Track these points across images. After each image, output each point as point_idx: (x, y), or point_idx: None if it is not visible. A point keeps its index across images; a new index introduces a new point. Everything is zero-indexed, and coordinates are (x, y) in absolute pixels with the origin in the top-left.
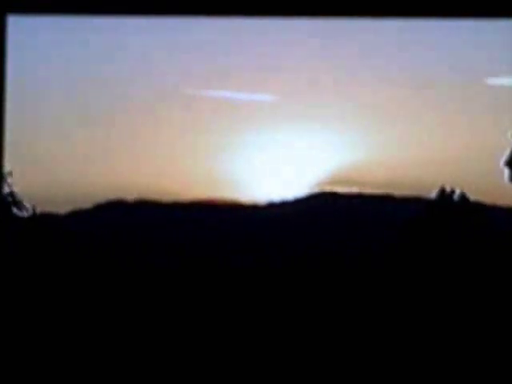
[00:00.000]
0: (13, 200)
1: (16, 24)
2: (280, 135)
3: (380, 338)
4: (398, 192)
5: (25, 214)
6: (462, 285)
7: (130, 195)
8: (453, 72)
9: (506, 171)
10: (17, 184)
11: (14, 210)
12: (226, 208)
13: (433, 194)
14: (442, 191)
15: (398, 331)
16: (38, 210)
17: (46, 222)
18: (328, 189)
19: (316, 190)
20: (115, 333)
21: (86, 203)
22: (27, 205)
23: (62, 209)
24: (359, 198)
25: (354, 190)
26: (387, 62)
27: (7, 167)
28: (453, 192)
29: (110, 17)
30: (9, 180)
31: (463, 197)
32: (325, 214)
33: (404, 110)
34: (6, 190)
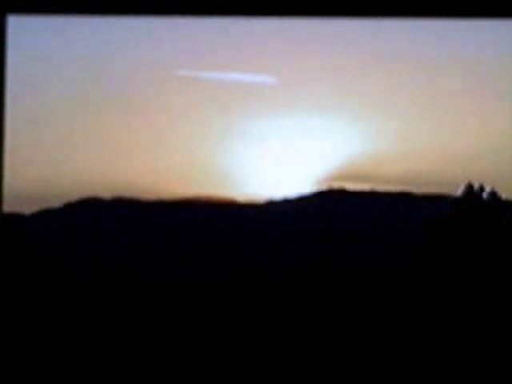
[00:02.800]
0: None
1: (16, 24)
2: (281, 122)
3: (398, 346)
4: (417, 189)
5: None
6: (491, 291)
7: (106, 192)
8: (478, 51)
9: None
10: None
11: None
12: (218, 206)
13: (459, 191)
14: (470, 188)
15: (416, 338)
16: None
17: (9, 223)
18: (336, 185)
19: (323, 186)
20: (85, 338)
21: (56, 202)
22: None
23: (28, 209)
24: (372, 195)
25: (367, 186)
26: (406, 39)
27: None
28: (482, 189)
29: (109, 17)
30: None
31: (494, 195)
32: (332, 213)
33: (426, 94)
34: None
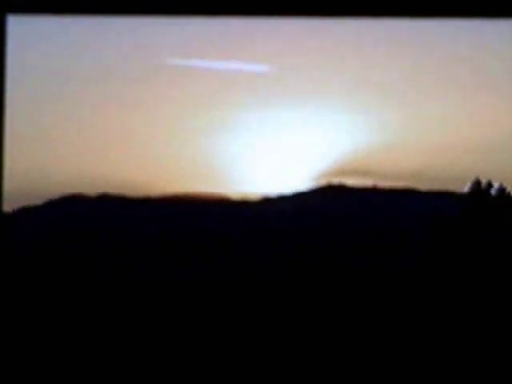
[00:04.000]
0: None
1: (16, 24)
2: (276, 113)
3: (401, 346)
4: (422, 185)
5: None
6: (498, 291)
7: (91, 189)
8: (492, 37)
9: None
10: None
11: None
12: (209, 204)
13: (465, 187)
14: (477, 185)
15: (418, 338)
16: None
17: None
18: (336, 181)
19: (321, 182)
20: (61, 339)
21: (37, 199)
22: None
23: (7, 206)
24: (374, 192)
25: (368, 182)
26: (411, 24)
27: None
28: (490, 185)
29: (109, 17)
30: None
31: (503, 191)
32: (331, 211)
33: (433, 82)
34: None
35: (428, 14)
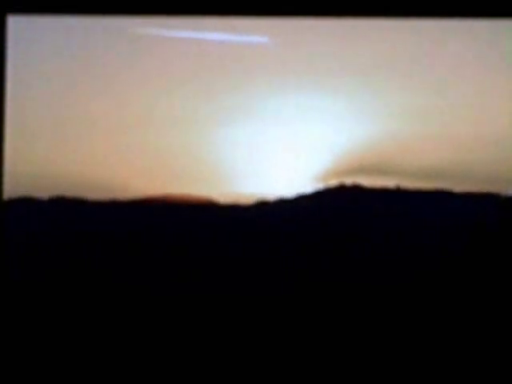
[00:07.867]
0: None
1: (16, 24)
2: (275, 99)
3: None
4: (457, 186)
5: None
6: None
7: (44, 190)
8: None
9: None
10: None
11: None
12: (190, 208)
13: (510, 189)
14: None
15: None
16: None
17: None
18: (349, 181)
19: (330, 182)
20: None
21: None
22: None
23: None
24: (396, 194)
25: (390, 182)
26: None
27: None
28: None
29: (109, 17)
30: None
31: None
32: (344, 218)
33: (461, 64)
34: None
35: (433, 15)
